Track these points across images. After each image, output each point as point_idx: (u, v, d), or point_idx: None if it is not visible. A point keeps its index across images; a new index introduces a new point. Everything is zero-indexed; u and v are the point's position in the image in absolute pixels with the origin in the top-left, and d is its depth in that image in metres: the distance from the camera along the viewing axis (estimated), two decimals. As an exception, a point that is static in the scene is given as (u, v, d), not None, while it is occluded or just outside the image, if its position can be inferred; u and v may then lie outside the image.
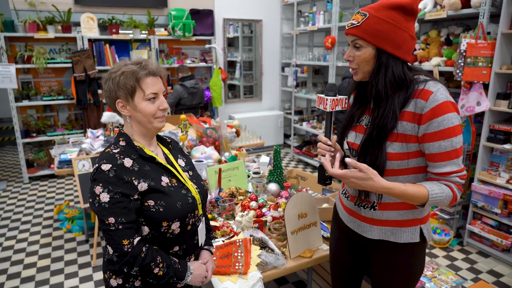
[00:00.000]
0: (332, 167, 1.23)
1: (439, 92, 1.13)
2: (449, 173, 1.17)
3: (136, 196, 1.19)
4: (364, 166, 1.13)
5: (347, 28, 1.22)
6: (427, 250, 3.16)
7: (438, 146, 1.14)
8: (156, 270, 1.20)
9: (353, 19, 1.20)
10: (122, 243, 1.16)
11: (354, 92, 1.38)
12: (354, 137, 1.32)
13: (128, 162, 1.20)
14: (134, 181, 1.19)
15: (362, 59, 1.20)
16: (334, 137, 1.30)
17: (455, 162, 1.16)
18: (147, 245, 1.21)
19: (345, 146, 1.35)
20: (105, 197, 1.15)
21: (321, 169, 1.33)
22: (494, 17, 2.96)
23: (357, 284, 1.57)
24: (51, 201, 4.19)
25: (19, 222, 3.67)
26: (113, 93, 1.23)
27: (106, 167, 1.17)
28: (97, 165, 1.19)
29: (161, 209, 1.21)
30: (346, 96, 1.32)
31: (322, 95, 1.30)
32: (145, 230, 1.24)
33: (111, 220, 1.15)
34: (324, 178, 1.33)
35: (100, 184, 1.16)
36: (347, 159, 1.16)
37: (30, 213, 3.89)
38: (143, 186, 1.20)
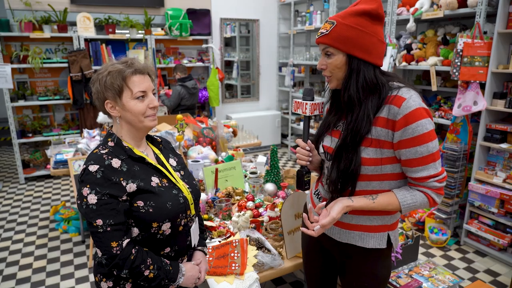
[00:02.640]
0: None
1: (412, 99, 1.14)
2: (427, 178, 1.18)
3: (124, 197, 1.17)
4: (326, 211, 1.22)
5: (317, 37, 1.25)
6: (424, 250, 3.17)
7: (414, 151, 1.15)
8: (146, 272, 1.18)
9: (322, 28, 1.23)
10: (110, 246, 1.14)
11: (330, 100, 1.40)
12: (329, 141, 1.32)
13: (116, 163, 1.19)
14: (122, 182, 1.17)
15: (334, 66, 1.22)
16: (309, 142, 1.35)
17: (432, 166, 1.17)
18: (136, 247, 1.19)
19: (321, 150, 1.37)
20: (92, 199, 1.13)
21: (299, 174, 1.36)
22: (491, 17, 2.97)
23: (332, 284, 1.58)
24: (47, 201, 4.17)
25: (15, 223, 3.65)
26: (101, 94, 1.21)
27: (93, 168, 1.15)
28: (84, 166, 1.17)
29: (150, 210, 1.19)
30: (323, 101, 1.36)
31: (300, 100, 1.34)
32: (135, 231, 1.22)
33: (99, 222, 1.13)
34: (303, 183, 1.36)
35: (88, 186, 1.14)
36: (316, 226, 1.21)
37: (26, 214, 3.86)
38: (131, 187, 1.18)
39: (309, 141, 1.35)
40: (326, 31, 1.20)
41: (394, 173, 1.23)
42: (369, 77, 1.19)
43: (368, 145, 1.19)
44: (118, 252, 1.14)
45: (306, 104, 1.32)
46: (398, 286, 1.90)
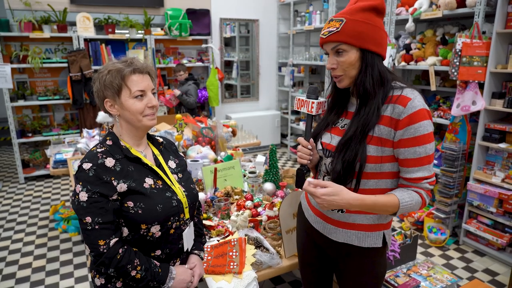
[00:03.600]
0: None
1: (417, 100, 1.16)
2: (420, 179, 1.19)
3: (115, 197, 1.17)
4: (327, 182, 1.15)
5: (324, 37, 1.21)
6: (423, 249, 3.17)
7: (413, 151, 1.16)
8: (133, 273, 1.18)
9: (328, 27, 1.20)
10: (98, 243, 1.15)
11: (329, 97, 1.39)
12: (329, 139, 1.32)
13: (109, 162, 1.19)
14: (113, 181, 1.17)
15: (348, 63, 1.20)
16: (312, 141, 1.34)
17: (427, 168, 1.19)
18: (125, 247, 1.20)
19: (319, 146, 1.36)
20: (83, 196, 1.14)
21: (300, 173, 1.35)
22: (489, 17, 2.97)
23: (328, 283, 1.58)
24: (47, 201, 4.17)
25: (15, 223, 3.65)
26: (101, 93, 1.23)
27: (87, 166, 1.17)
28: (79, 163, 1.19)
29: (140, 211, 1.19)
30: (326, 99, 1.36)
31: (304, 98, 1.32)
32: (125, 231, 1.22)
33: (88, 219, 1.14)
34: (303, 182, 1.33)
35: (80, 183, 1.16)
36: (311, 180, 1.16)
37: (25, 213, 3.87)
38: (122, 187, 1.18)
39: (311, 139, 1.34)
40: (337, 29, 1.17)
41: (391, 172, 1.24)
42: (382, 69, 1.21)
43: (368, 142, 1.19)
44: (105, 250, 1.16)
45: (313, 103, 1.30)
46: (396, 285, 1.90)
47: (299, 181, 1.36)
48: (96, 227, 1.14)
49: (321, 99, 1.32)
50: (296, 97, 1.36)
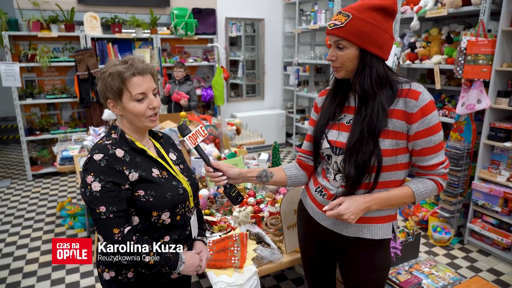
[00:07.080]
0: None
1: (425, 92, 1.21)
2: (437, 165, 1.25)
3: (127, 186, 1.20)
4: (336, 200, 1.25)
5: (329, 28, 1.23)
6: (427, 248, 3.16)
7: (429, 140, 1.21)
8: (147, 259, 1.21)
9: (335, 20, 1.21)
10: (112, 232, 1.17)
11: (329, 89, 1.40)
12: (336, 135, 1.31)
13: (120, 153, 1.22)
14: (125, 171, 1.20)
15: (346, 59, 1.22)
16: (214, 162, 1.37)
17: (441, 153, 1.25)
18: (137, 235, 1.22)
19: (326, 145, 1.34)
20: (96, 186, 1.16)
21: (226, 193, 1.39)
22: (495, 15, 2.95)
23: (331, 279, 1.59)
24: (54, 198, 4.23)
25: (22, 219, 3.71)
26: (103, 94, 1.26)
27: (98, 157, 1.18)
28: (89, 155, 1.21)
29: (151, 199, 1.22)
30: (201, 125, 1.38)
31: (182, 139, 1.35)
32: (135, 220, 1.25)
33: (102, 208, 1.16)
34: (234, 199, 1.39)
35: (92, 174, 1.17)
36: (326, 208, 1.25)
37: (33, 210, 3.93)
38: (134, 176, 1.21)
39: (212, 162, 1.37)
40: (341, 24, 1.19)
41: (403, 163, 1.28)
42: (381, 71, 1.22)
43: (385, 137, 1.21)
44: (120, 238, 1.18)
45: (184, 141, 1.34)
46: (398, 282, 1.90)
47: (231, 200, 1.40)
48: (111, 215, 1.17)
49: (194, 130, 1.35)
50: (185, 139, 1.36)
